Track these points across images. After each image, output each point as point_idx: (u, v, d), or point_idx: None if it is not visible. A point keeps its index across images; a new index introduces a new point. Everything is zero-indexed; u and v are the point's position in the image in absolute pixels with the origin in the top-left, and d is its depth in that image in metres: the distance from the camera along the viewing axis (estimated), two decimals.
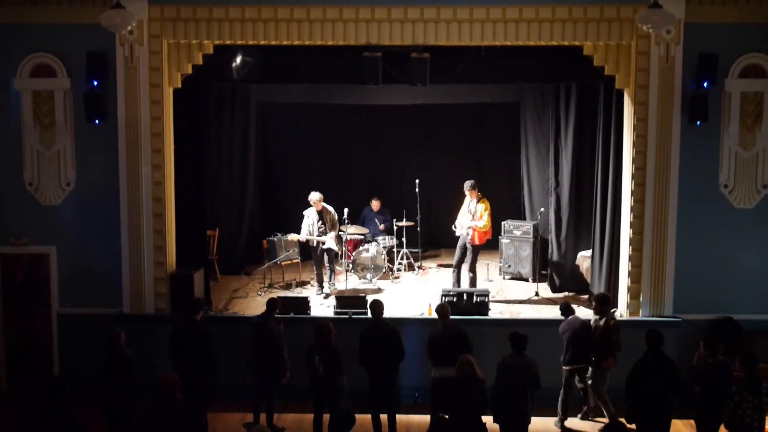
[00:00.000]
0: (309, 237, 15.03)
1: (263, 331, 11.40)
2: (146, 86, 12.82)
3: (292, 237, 15.33)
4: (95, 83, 12.76)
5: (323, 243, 14.99)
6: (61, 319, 13.34)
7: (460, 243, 14.75)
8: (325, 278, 15.24)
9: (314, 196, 15.01)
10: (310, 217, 15.11)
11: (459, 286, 14.63)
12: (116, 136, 12.91)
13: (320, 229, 15.04)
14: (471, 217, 14.51)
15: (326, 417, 10.32)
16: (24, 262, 13.55)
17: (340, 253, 15.56)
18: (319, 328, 10.92)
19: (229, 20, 12.63)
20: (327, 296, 14.82)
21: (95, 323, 12.59)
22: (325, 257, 15.12)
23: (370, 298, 12.35)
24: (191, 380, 10.43)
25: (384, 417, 11.27)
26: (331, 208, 15.21)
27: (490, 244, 16.19)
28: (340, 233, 15.46)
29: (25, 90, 13.05)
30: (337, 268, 15.29)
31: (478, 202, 14.52)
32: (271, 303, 11.74)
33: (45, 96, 13.09)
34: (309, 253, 15.80)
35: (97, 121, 12.84)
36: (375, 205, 17.32)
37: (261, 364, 11.37)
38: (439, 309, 11.51)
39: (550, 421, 11.86)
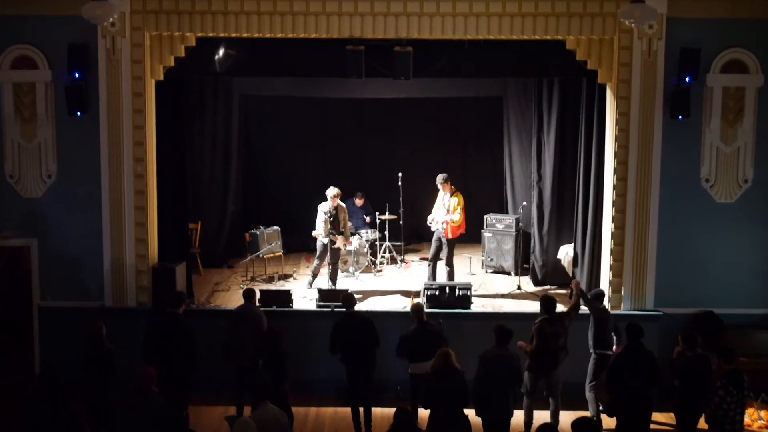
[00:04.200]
0: (328, 237, 14.58)
1: (248, 318, 11.38)
2: (128, 78, 12.77)
3: (316, 234, 14.82)
4: (77, 75, 12.70)
5: (334, 242, 14.72)
6: (43, 313, 13.27)
7: (435, 237, 14.73)
8: (321, 275, 15.13)
9: (332, 191, 14.65)
10: (326, 212, 14.69)
11: (435, 279, 14.62)
12: (98, 128, 12.86)
13: (332, 225, 14.72)
14: (445, 211, 14.51)
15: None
16: (5, 255, 13.48)
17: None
18: (269, 333, 10.83)
19: (212, 13, 12.59)
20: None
21: (77, 316, 12.53)
22: (329, 255, 14.80)
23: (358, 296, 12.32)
24: (171, 375, 10.41)
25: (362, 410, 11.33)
26: (344, 205, 15.05)
27: (472, 238, 16.25)
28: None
29: (5, 82, 12.97)
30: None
31: (451, 195, 14.51)
32: (249, 292, 11.79)
33: (26, 88, 13.01)
34: (294, 246, 15.78)
35: (78, 114, 12.79)
36: (358, 201, 17.27)
37: (246, 352, 11.28)
38: (414, 310, 11.42)
39: (535, 415, 11.76)
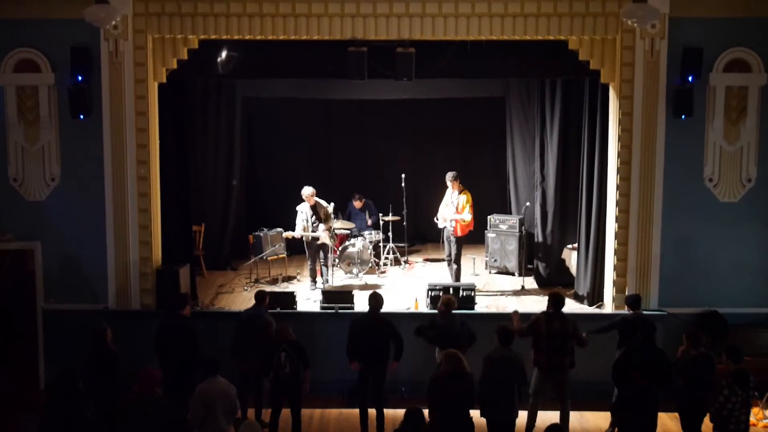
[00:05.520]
0: (303, 234, 14.86)
1: (255, 323, 11.39)
2: (131, 81, 12.77)
3: (287, 234, 15.17)
4: (80, 78, 12.72)
5: (318, 239, 14.88)
6: (46, 315, 13.27)
7: (445, 236, 14.80)
8: (320, 275, 15.17)
9: (307, 191, 14.85)
10: (303, 212, 14.91)
11: (459, 278, 14.71)
12: (101, 131, 12.87)
13: (314, 225, 14.90)
14: (454, 209, 14.54)
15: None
16: (8, 258, 13.49)
17: (334, 248, 15.47)
18: (276, 328, 11.05)
19: (214, 15, 12.60)
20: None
21: (80, 319, 12.53)
22: (321, 253, 15.00)
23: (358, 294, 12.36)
24: (177, 376, 10.41)
25: (372, 411, 11.29)
26: (324, 203, 15.12)
27: (476, 238, 16.26)
28: (333, 228, 15.42)
29: (8, 85, 12.98)
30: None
31: (460, 193, 14.58)
32: (261, 295, 11.73)
33: (29, 91, 13.02)
34: (298, 247, 15.80)
35: (81, 117, 12.80)
36: (357, 204, 17.26)
37: (251, 357, 11.32)
38: (444, 300, 11.55)
39: (539, 416, 11.72)
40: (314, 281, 15.11)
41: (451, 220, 14.58)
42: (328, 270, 15.13)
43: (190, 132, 14.92)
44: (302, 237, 14.96)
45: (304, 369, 10.81)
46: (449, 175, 14.72)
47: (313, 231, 14.83)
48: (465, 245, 15.19)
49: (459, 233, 14.55)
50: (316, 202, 14.94)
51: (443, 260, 15.60)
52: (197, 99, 16.28)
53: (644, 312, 12.42)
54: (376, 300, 11.35)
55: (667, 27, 12.63)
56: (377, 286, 15.16)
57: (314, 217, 14.87)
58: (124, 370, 10.36)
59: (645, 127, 12.80)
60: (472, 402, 9.58)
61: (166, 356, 10.88)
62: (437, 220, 14.94)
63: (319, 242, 14.87)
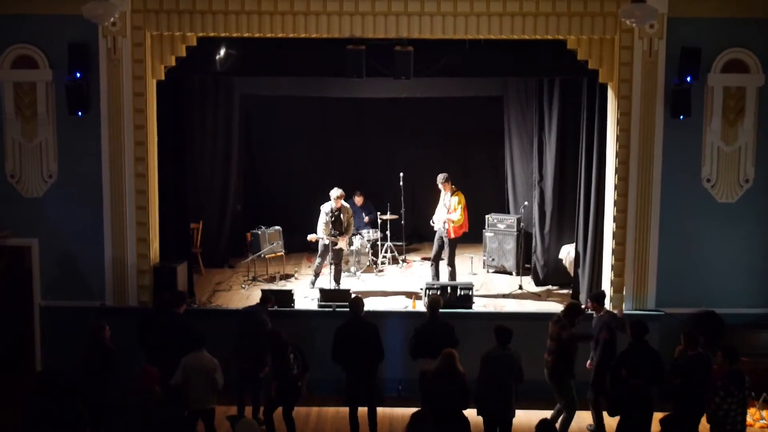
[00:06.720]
0: (327, 238, 14.56)
1: (253, 321, 11.39)
2: (129, 78, 12.76)
3: (311, 237, 14.93)
4: (78, 75, 12.70)
5: (335, 244, 14.66)
6: (44, 312, 13.27)
7: (437, 236, 14.76)
8: (323, 275, 15.07)
9: (336, 192, 14.65)
10: (328, 213, 14.67)
11: (438, 279, 14.62)
12: (99, 128, 12.87)
13: (334, 230, 14.67)
14: (447, 210, 14.53)
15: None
16: (5, 254, 13.47)
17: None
18: (271, 330, 11.08)
19: (213, 12, 12.59)
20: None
21: (77, 316, 12.53)
22: (332, 257, 14.71)
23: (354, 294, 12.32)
24: (173, 374, 10.42)
25: (363, 411, 11.24)
26: (348, 206, 15.04)
27: (474, 238, 16.24)
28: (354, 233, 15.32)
29: (6, 81, 12.97)
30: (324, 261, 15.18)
31: (452, 195, 14.57)
32: (266, 296, 11.79)
33: (27, 88, 13.00)
34: (296, 246, 15.77)
35: (79, 113, 12.79)
36: (358, 200, 17.25)
37: (247, 354, 11.33)
38: (431, 302, 11.53)
39: (534, 415, 11.74)
40: (316, 278, 15.05)
41: (444, 222, 14.54)
42: (341, 274, 14.95)
43: (188, 129, 14.92)
44: (323, 239, 14.70)
45: (304, 371, 10.80)
46: (440, 177, 14.69)
47: (333, 233, 14.66)
48: (463, 244, 15.18)
49: (452, 235, 14.50)
50: (343, 205, 14.84)
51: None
52: (195, 96, 16.25)
53: (641, 312, 12.46)
54: (357, 305, 11.25)
55: (666, 27, 12.63)
56: (375, 285, 15.12)
57: (336, 219, 14.65)
58: (121, 367, 10.35)
59: (643, 127, 12.81)
60: (466, 402, 9.57)
61: (161, 354, 10.84)
62: (433, 223, 14.91)
63: (336, 246, 14.78)
